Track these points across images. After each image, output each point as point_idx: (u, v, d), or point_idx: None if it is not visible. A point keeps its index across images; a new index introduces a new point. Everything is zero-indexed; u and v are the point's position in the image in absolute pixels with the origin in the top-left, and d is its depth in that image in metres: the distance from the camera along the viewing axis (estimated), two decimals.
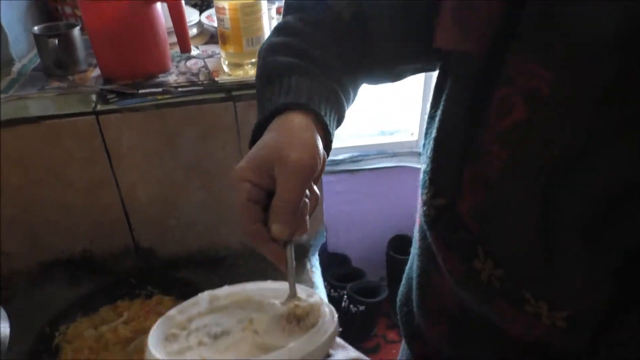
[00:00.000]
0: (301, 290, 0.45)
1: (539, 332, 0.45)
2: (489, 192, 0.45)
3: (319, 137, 0.46)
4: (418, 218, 0.59)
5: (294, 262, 0.44)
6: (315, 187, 0.48)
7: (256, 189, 0.44)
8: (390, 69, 0.58)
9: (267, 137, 0.45)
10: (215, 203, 0.94)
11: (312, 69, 0.50)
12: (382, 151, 1.96)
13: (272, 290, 0.46)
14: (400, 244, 1.98)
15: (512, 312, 0.45)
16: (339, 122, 0.53)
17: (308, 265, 1.03)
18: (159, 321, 0.43)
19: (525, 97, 0.41)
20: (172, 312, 0.44)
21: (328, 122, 0.48)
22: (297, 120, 0.46)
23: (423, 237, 0.57)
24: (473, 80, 0.46)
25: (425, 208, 0.51)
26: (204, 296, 0.46)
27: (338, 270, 1.95)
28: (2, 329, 0.48)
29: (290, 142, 0.44)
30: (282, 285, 0.46)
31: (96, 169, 0.86)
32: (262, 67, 0.53)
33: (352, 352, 0.43)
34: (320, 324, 0.40)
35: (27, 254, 0.91)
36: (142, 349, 0.77)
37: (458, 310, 0.53)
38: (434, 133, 0.51)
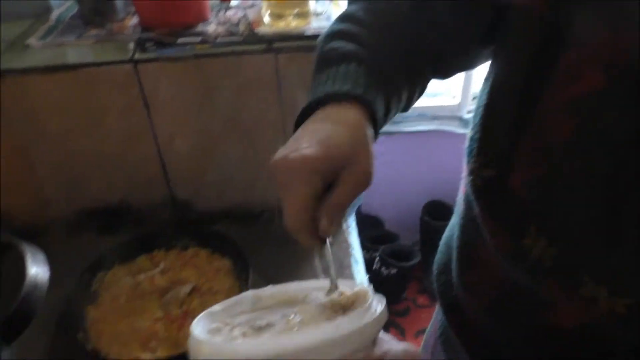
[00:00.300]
0: (344, 284, 0.44)
1: (594, 316, 0.41)
2: (549, 164, 0.41)
3: None
4: (463, 187, 0.56)
5: (331, 256, 0.42)
6: None
7: (322, 183, 0.40)
8: (464, 51, 0.53)
9: (335, 132, 0.42)
10: (253, 158, 0.92)
11: (369, 60, 0.47)
12: (422, 114, 1.90)
13: (315, 288, 0.44)
14: (435, 209, 1.95)
15: (564, 294, 0.42)
16: (384, 122, 0.50)
17: (344, 226, 1.01)
18: (201, 315, 0.42)
19: (601, 64, 0.37)
20: (215, 307, 0.43)
21: (378, 120, 0.45)
22: (357, 117, 0.43)
23: (468, 208, 0.54)
24: (536, 41, 0.41)
25: (471, 178, 0.48)
26: (248, 295, 0.45)
27: (371, 232, 1.94)
28: (42, 273, 0.48)
29: (364, 150, 0.42)
30: (326, 283, 0.44)
31: (133, 119, 0.85)
32: (319, 53, 0.51)
33: (402, 343, 0.41)
34: (369, 304, 0.38)
35: (66, 201, 0.92)
36: (177, 300, 0.78)
37: (502, 285, 0.50)
38: (485, 97, 0.47)
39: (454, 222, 0.61)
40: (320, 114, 0.44)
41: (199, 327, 0.40)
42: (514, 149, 0.43)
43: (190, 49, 0.82)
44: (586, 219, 0.39)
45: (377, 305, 0.39)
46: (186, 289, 0.80)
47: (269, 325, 0.40)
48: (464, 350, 0.60)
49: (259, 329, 0.40)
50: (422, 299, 1.95)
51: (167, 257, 0.86)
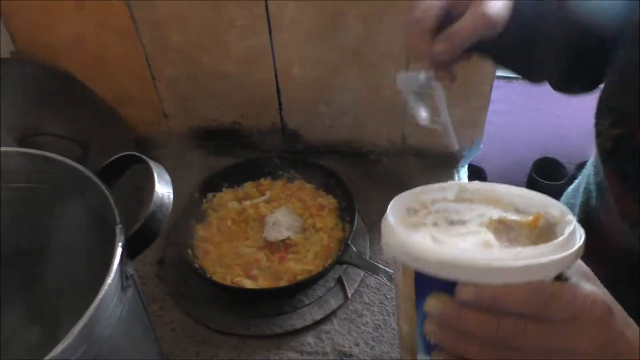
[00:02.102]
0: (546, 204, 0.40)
1: None
2: None
3: None
4: (594, 150, 0.54)
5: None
6: None
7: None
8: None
9: None
10: (371, 95, 0.86)
11: None
12: None
13: (522, 197, 0.41)
14: (546, 167, 1.80)
15: None
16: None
17: (456, 177, 0.95)
18: (403, 193, 0.42)
19: None
20: (418, 189, 0.43)
21: None
22: None
23: (597, 172, 0.53)
24: None
25: (600, 139, 0.46)
26: (452, 184, 0.44)
27: None
28: (167, 194, 0.48)
29: None
30: (535, 196, 0.41)
31: (255, 40, 0.81)
32: None
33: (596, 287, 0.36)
34: (567, 236, 0.35)
35: (183, 117, 0.93)
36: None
37: (623, 253, 0.47)
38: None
39: (578, 184, 0.60)
40: None
41: (397, 204, 0.41)
42: None
43: None
44: None
45: (578, 236, 0.36)
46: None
47: (460, 222, 0.40)
48: None
49: (451, 223, 0.40)
50: None
51: (272, 186, 0.85)
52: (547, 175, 1.76)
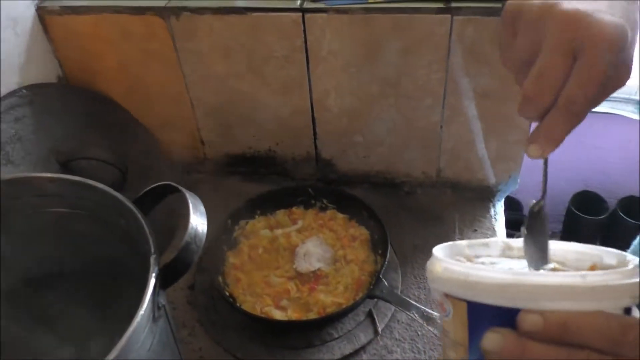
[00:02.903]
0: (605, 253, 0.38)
1: None
2: None
3: None
4: None
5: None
6: None
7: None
8: None
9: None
10: (406, 126, 0.86)
11: None
12: None
13: (573, 252, 0.39)
14: (586, 201, 1.74)
15: None
16: None
17: (492, 212, 0.93)
18: (447, 244, 0.40)
19: None
20: (462, 243, 0.41)
21: None
22: None
23: None
24: None
25: None
26: (497, 242, 0.42)
27: (507, 215, 1.80)
28: (201, 225, 0.48)
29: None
30: (587, 248, 0.39)
31: (293, 70, 0.82)
32: None
33: None
34: (629, 269, 0.32)
35: (220, 143, 0.94)
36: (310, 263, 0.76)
37: None
38: None
39: None
40: None
41: (440, 252, 0.38)
42: None
43: (362, 1, 0.76)
44: None
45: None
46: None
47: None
48: None
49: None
50: None
51: (305, 215, 0.85)
52: (586, 210, 1.70)
